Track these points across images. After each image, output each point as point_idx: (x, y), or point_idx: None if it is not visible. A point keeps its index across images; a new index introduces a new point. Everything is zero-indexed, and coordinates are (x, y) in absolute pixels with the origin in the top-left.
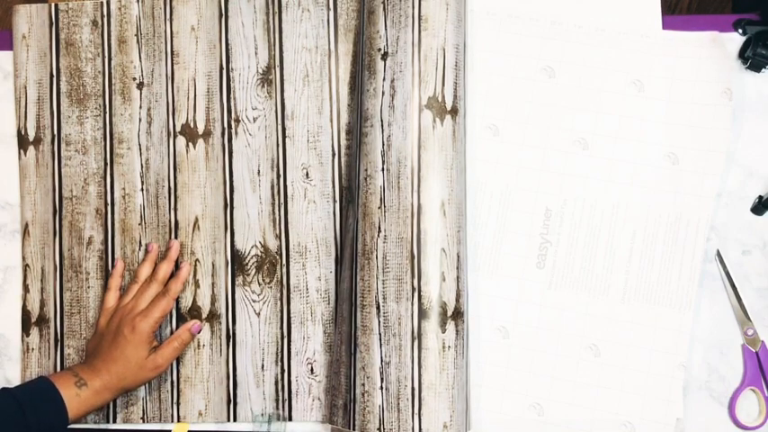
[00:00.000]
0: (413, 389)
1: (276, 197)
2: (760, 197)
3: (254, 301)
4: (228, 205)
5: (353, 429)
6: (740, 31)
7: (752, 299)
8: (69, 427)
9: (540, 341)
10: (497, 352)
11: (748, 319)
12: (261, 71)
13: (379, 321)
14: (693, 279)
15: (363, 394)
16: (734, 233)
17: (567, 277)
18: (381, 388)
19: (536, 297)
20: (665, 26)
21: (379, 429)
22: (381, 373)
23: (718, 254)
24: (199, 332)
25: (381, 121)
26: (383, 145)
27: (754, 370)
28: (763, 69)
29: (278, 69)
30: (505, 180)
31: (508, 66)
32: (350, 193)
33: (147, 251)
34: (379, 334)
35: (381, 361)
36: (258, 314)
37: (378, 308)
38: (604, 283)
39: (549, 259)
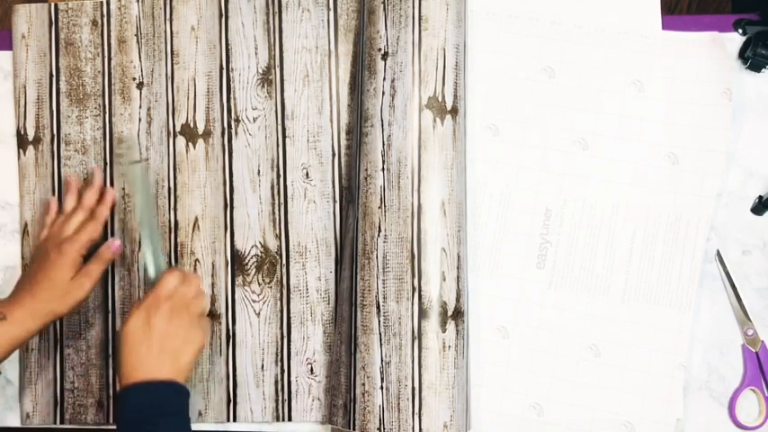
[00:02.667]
0: (413, 388)
1: (276, 197)
2: (760, 197)
3: (253, 301)
4: (228, 205)
5: (353, 429)
6: (740, 31)
7: (752, 299)
8: (66, 426)
9: (540, 341)
10: (497, 352)
11: (748, 319)
12: (261, 71)
13: (380, 321)
14: (693, 279)
15: (363, 394)
16: (734, 233)
17: (567, 277)
18: (381, 388)
19: (536, 297)
20: (665, 26)
21: (379, 429)
22: (381, 373)
23: (718, 254)
24: (118, 250)
25: (381, 120)
26: (383, 145)
27: (754, 370)
28: (763, 69)
29: (278, 69)
30: (505, 180)
31: (508, 66)
32: (350, 193)
33: (66, 183)
34: (380, 334)
35: (381, 361)
36: (258, 314)
37: (378, 307)
38: (604, 283)
39: (549, 259)
